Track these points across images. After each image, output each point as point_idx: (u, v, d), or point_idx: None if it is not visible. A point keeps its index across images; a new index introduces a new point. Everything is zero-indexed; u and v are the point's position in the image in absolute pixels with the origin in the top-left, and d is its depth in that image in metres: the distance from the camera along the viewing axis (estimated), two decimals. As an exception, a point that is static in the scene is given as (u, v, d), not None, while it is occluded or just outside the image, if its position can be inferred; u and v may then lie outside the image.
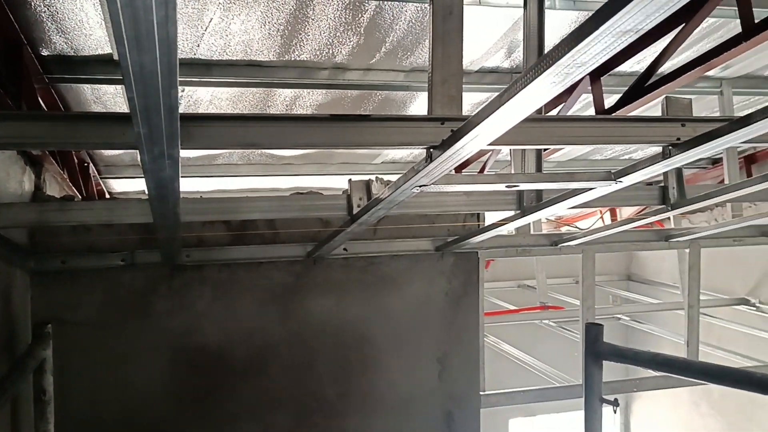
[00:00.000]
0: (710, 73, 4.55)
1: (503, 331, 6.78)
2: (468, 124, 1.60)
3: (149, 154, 1.57)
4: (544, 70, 1.24)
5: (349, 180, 2.76)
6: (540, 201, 2.94)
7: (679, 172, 3.15)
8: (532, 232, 5.58)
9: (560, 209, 2.76)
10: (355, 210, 2.70)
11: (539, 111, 2.90)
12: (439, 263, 4.08)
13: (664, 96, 2.08)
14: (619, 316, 7.04)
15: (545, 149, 4.31)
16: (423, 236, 4.03)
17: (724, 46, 2.87)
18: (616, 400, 2.78)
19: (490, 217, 3.97)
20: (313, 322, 3.97)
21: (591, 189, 2.44)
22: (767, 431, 6.90)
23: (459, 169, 5.97)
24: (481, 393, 4.16)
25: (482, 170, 5.57)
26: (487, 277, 8.89)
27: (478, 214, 4.11)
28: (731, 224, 3.87)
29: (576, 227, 9.06)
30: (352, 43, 3.52)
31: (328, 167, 6.16)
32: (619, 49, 1.16)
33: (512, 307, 7.03)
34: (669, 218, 7.12)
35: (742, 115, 1.79)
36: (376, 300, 4.02)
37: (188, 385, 3.83)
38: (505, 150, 5.72)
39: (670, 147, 2.02)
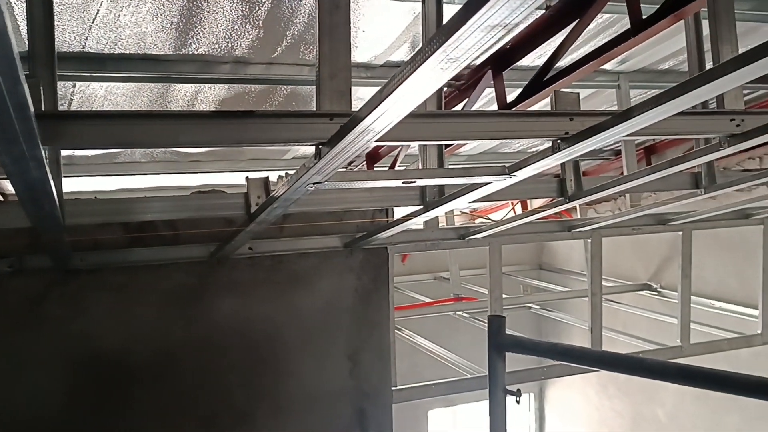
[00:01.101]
0: (608, 67, 4.70)
1: (420, 323, 6.83)
2: (353, 119, 1.56)
3: (9, 156, 1.45)
4: (419, 66, 1.21)
5: (247, 177, 2.68)
6: (443, 196, 2.95)
7: (575, 164, 3.23)
8: (441, 225, 5.62)
9: (461, 203, 2.78)
10: (253, 209, 2.62)
11: (438, 105, 2.90)
12: (348, 260, 4.04)
13: (553, 91, 2.12)
14: (529, 305, 7.22)
15: (447, 145, 4.34)
16: (331, 233, 3.98)
17: (615, 41, 2.95)
18: (518, 390, 2.82)
19: (399, 213, 3.97)
20: (219, 324, 3.86)
21: (488, 183, 2.45)
22: (667, 409, 7.25)
23: (371, 164, 5.97)
24: (393, 388, 4.16)
25: (393, 165, 5.57)
26: (404, 271, 9.01)
27: (387, 209, 4.10)
28: (628, 214, 4.01)
29: (489, 219, 9.23)
30: (251, 36, 3.42)
31: (237, 164, 6.01)
32: (490, 43, 1.15)
33: (428, 300, 7.09)
34: (575, 209, 7.37)
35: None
36: (285, 299, 3.94)
37: (87, 395, 3.64)
38: (416, 145, 5.74)
39: (559, 141, 2.04)
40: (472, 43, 1.15)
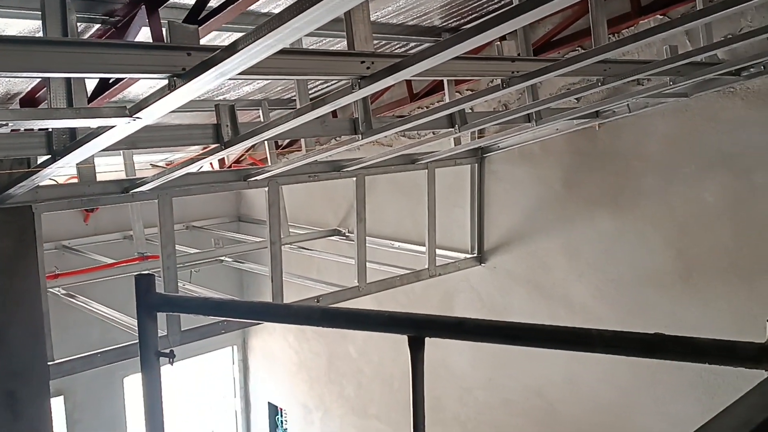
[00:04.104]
0: (279, 12, 4.63)
1: (107, 287, 6.26)
2: None
3: None
4: None
5: None
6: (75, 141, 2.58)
7: (231, 109, 3.08)
8: (116, 177, 5.11)
9: (92, 150, 2.46)
10: None
11: (64, 35, 2.50)
12: (-20, 222, 3.43)
13: (167, 22, 1.90)
14: (222, 258, 7.06)
15: (109, 83, 3.89)
16: (-46, 191, 3.32)
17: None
18: (171, 351, 2.63)
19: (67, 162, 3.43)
20: None
21: (113, 126, 2.17)
22: (358, 345, 7.75)
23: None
24: (49, 363, 3.70)
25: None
26: (87, 231, 8.19)
27: (29, 159, 3.54)
28: (298, 161, 4.01)
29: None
30: None
31: None
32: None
33: (111, 261, 6.52)
34: (267, 157, 7.32)
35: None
36: None
37: None
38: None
39: (175, 77, 1.85)
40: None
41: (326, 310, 2.33)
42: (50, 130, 2.58)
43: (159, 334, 4.02)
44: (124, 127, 2.15)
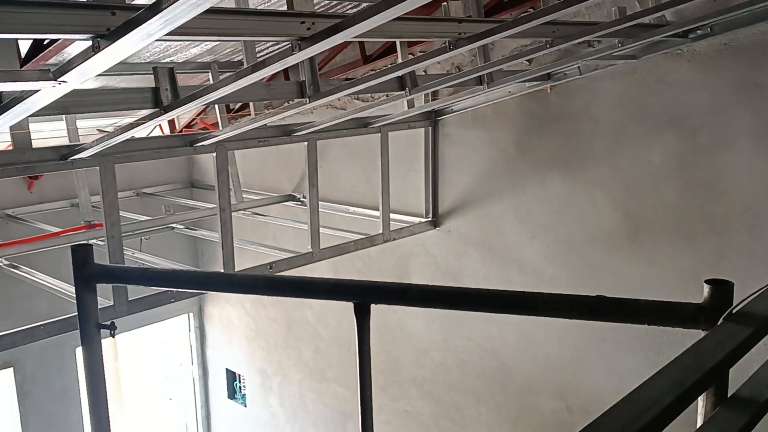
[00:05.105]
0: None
1: (52, 257, 6.09)
2: None
3: None
4: None
5: None
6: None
7: (170, 72, 2.97)
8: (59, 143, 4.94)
9: (20, 115, 2.34)
10: None
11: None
12: None
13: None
14: (173, 225, 6.90)
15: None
16: None
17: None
18: (112, 323, 2.56)
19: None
20: None
21: (37, 90, 2.06)
22: (315, 310, 7.75)
23: None
24: (-13, 338, 3.59)
25: None
26: (32, 200, 7.93)
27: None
28: (245, 126, 3.90)
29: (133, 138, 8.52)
30: None
31: None
32: None
33: (56, 230, 6.32)
34: (218, 122, 7.14)
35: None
36: None
37: None
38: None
39: (99, 38, 1.75)
40: None
41: (271, 278, 2.29)
42: (-27, 94, 2.44)
43: (105, 305, 3.94)
44: (50, 91, 2.04)
